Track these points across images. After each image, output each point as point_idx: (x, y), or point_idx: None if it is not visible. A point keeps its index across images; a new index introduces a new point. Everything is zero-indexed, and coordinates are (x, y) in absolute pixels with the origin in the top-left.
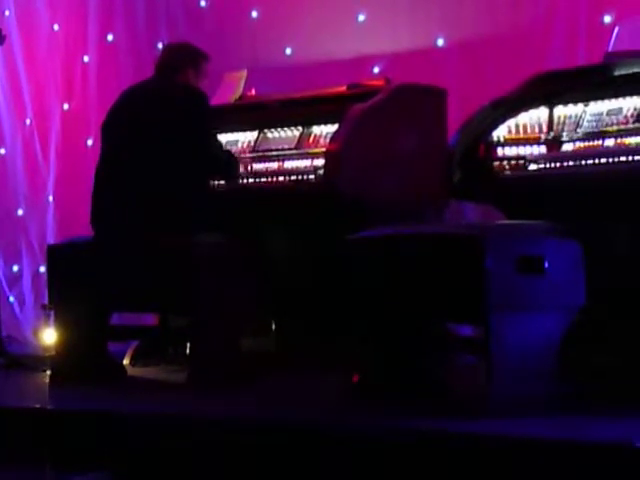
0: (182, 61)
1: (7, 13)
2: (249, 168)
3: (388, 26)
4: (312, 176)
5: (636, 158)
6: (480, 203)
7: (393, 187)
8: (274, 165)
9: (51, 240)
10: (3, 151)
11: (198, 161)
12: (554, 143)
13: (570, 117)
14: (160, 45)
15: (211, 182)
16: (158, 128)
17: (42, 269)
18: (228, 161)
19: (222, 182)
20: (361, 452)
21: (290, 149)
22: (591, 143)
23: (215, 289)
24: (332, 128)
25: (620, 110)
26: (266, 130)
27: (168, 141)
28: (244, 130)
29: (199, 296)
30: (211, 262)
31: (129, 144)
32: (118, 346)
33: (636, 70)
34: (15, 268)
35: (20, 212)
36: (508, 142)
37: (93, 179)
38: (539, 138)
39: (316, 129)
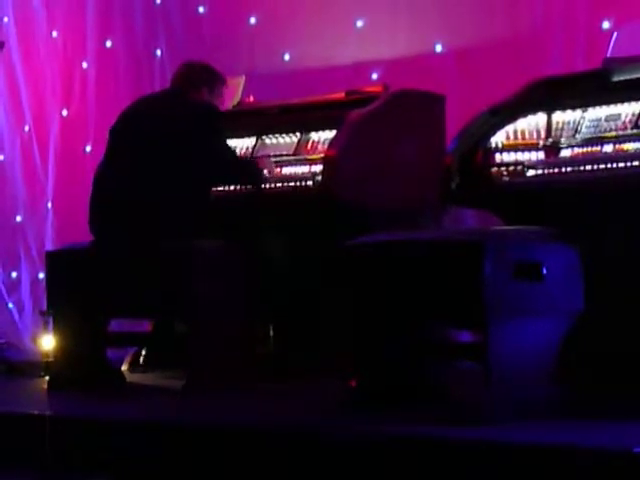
0: (198, 79)
1: (6, 20)
2: None
3: (386, 32)
4: (310, 182)
5: (634, 164)
6: (478, 209)
7: (391, 193)
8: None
9: (50, 246)
10: (2, 157)
11: (215, 169)
12: (552, 149)
13: (568, 123)
14: (158, 51)
15: (240, 187)
16: (163, 138)
17: (41, 275)
18: (248, 166)
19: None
20: (360, 458)
21: (288, 155)
22: (589, 149)
23: (214, 294)
24: (330, 134)
25: (618, 116)
26: (264, 136)
27: (171, 150)
28: (242, 136)
29: (198, 301)
30: (210, 267)
31: (133, 151)
32: (117, 352)
33: (635, 76)
34: (14, 274)
35: (19, 218)
36: (506, 148)
37: (92, 183)
38: (537, 144)
39: (314, 135)
